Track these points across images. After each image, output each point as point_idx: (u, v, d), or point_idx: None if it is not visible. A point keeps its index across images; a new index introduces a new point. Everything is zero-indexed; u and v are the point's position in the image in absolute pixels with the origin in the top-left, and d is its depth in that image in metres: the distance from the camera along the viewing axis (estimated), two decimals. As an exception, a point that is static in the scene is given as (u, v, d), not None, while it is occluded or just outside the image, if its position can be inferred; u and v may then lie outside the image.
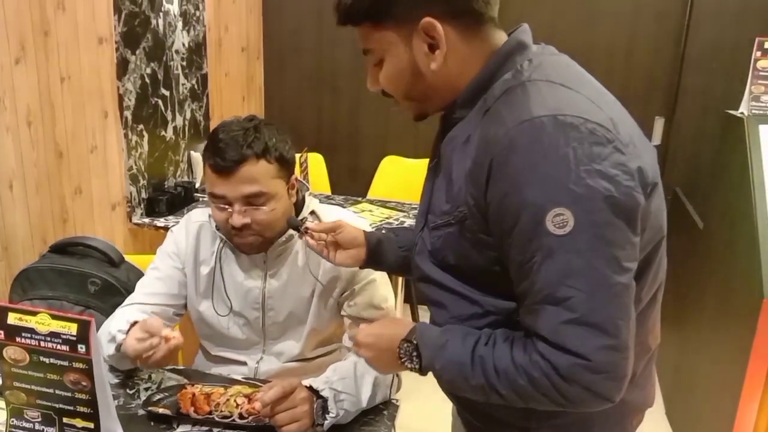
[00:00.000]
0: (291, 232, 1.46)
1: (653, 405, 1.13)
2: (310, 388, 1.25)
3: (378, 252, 1.32)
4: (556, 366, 0.85)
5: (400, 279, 2.66)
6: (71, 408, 1.08)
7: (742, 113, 2.21)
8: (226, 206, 1.38)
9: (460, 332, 0.97)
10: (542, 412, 0.97)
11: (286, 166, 1.42)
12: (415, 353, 1.00)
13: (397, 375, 1.42)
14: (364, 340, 1.09)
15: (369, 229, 1.52)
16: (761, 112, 2.16)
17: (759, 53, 2.18)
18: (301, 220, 1.47)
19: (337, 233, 1.31)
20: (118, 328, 1.33)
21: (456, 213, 0.96)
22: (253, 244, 1.43)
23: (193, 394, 1.26)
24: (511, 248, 0.89)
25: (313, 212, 1.53)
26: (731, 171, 2.26)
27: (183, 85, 2.94)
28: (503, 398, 0.93)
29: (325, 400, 1.23)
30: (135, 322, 1.30)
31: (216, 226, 1.50)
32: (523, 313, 0.91)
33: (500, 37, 1.00)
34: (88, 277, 1.67)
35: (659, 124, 3.33)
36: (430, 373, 1.06)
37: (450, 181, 0.98)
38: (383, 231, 1.39)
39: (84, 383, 1.05)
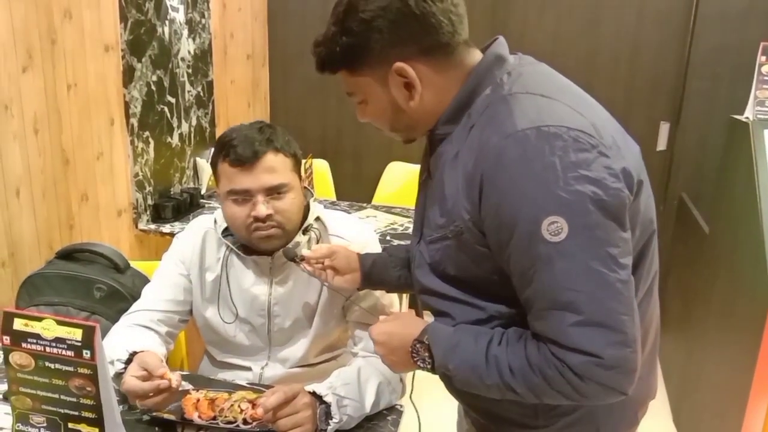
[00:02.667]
0: (297, 239, 1.46)
1: (656, 396, 1.15)
2: (314, 394, 1.25)
3: (372, 274, 1.36)
4: (569, 365, 0.88)
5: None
6: (76, 413, 1.08)
7: (747, 118, 2.20)
8: (248, 200, 1.39)
9: (472, 332, 0.99)
10: (548, 410, 1.00)
11: (298, 163, 1.46)
12: (427, 354, 1.02)
13: (402, 380, 1.42)
14: (377, 338, 1.10)
15: (375, 242, 1.54)
16: (766, 116, 2.16)
17: (764, 58, 2.18)
18: (296, 247, 1.47)
19: (333, 259, 1.36)
20: (117, 357, 1.32)
21: (452, 227, 0.99)
22: (275, 237, 1.42)
23: (198, 400, 1.26)
24: (510, 259, 0.92)
25: (318, 218, 1.53)
26: (737, 176, 2.26)
27: (189, 92, 2.95)
28: (519, 395, 0.95)
29: (328, 405, 1.23)
30: (134, 353, 1.29)
31: (223, 232, 1.51)
32: (531, 320, 0.93)
33: (475, 56, 1.03)
34: (94, 283, 1.68)
35: (664, 129, 3.33)
36: (436, 379, 1.07)
37: (443, 197, 1.00)
38: (404, 227, 1.45)
39: (89, 388, 1.05)
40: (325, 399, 1.24)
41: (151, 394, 1.19)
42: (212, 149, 1.49)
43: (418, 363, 1.04)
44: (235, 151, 1.37)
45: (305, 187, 1.51)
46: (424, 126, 1.06)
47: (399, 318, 1.13)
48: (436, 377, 1.05)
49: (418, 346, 1.03)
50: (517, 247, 0.89)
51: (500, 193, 0.89)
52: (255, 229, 1.40)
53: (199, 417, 1.24)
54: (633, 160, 0.95)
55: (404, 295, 2.84)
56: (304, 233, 1.48)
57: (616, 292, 0.87)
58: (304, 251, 1.38)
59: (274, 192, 1.40)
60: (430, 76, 0.99)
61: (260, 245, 1.44)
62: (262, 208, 1.38)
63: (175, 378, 1.20)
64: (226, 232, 1.52)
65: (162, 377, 1.19)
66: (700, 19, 3.18)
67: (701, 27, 3.18)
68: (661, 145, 3.34)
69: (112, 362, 1.31)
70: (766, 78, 2.17)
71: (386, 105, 1.03)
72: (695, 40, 3.20)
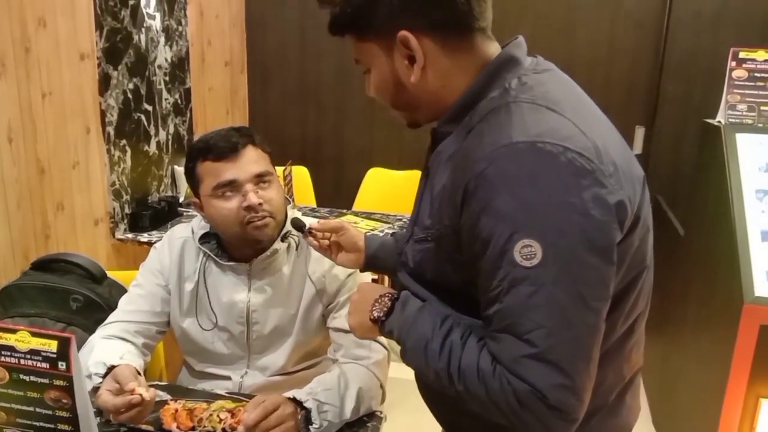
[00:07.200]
0: (275, 246, 1.46)
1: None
2: (294, 400, 1.24)
3: (376, 257, 1.32)
4: (514, 389, 0.84)
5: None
6: (52, 426, 1.06)
7: (719, 122, 2.24)
8: (236, 191, 1.40)
9: (439, 315, 0.96)
10: None
11: (273, 162, 1.49)
12: (386, 308, 1.00)
13: (382, 387, 1.42)
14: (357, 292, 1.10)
15: None
16: (738, 120, 2.20)
17: (734, 63, 2.22)
18: (274, 254, 1.47)
19: (340, 235, 1.32)
20: (95, 371, 1.30)
21: (434, 230, 0.96)
22: (268, 225, 1.42)
23: (176, 410, 1.26)
24: (479, 273, 0.87)
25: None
26: (710, 179, 2.29)
27: (166, 99, 2.94)
28: (457, 393, 0.91)
29: (308, 411, 1.23)
30: (112, 367, 1.28)
31: (201, 238, 1.50)
32: (488, 338, 0.89)
33: (492, 48, 0.98)
34: (70, 293, 1.66)
35: (640, 133, 3.38)
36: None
37: (433, 198, 0.98)
38: (384, 234, 1.40)
39: (65, 401, 1.04)
40: (305, 405, 1.24)
41: (123, 409, 1.18)
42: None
43: (374, 312, 1.01)
44: (216, 146, 1.40)
45: (285, 197, 1.52)
46: (426, 109, 1.01)
47: (372, 285, 1.10)
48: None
49: (386, 298, 1.02)
50: (487, 262, 0.85)
51: (481, 205, 0.84)
52: (249, 220, 1.40)
53: (178, 428, 1.24)
54: (632, 190, 0.88)
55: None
56: (282, 240, 1.48)
57: (576, 335, 0.82)
58: (312, 223, 1.36)
59: (260, 181, 1.42)
60: (437, 54, 0.94)
61: (255, 235, 1.42)
62: (253, 197, 1.39)
63: (146, 392, 1.18)
64: (203, 240, 1.51)
65: (132, 392, 1.17)
66: (673, 25, 3.24)
67: (674, 32, 3.24)
68: (637, 148, 3.38)
69: (89, 376, 1.30)
70: (736, 83, 2.21)
71: (388, 77, 0.98)
72: (668, 45, 3.26)
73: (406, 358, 1.00)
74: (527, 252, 0.81)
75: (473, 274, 0.89)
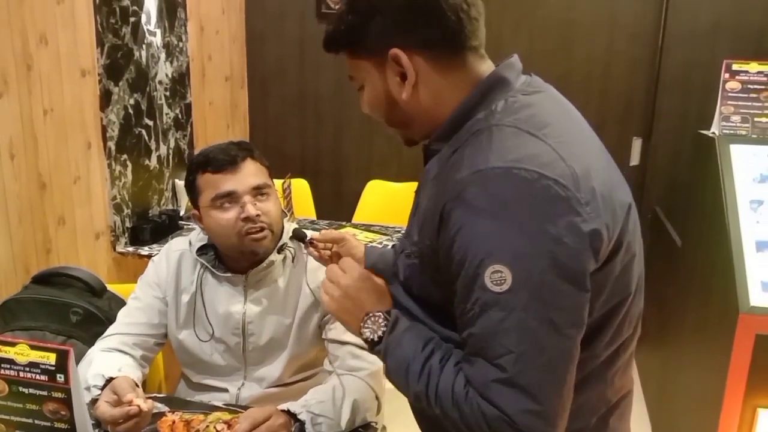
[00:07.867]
0: (272, 257, 1.48)
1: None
2: (288, 412, 1.26)
3: (375, 268, 1.29)
4: (484, 413, 0.84)
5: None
6: (50, 438, 1.08)
7: (713, 133, 2.26)
8: (235, 203, 1.42)
9: (422, 338, 0.96)
10: None
11: (272, 176, 1.51)
12: (381, 330, 0.99)
13: (377, 398, 1.43)
14: (330, 284, 1.08)
15: None
16: (731, 131, 2.22)
17: (727, 75, 2.24)
18: (270, 266, 1.49)
19: (341, 246, 1.33)
20: (93, 383, 1.32)
21: (417, 248, 0.97)
22: (267, 238, 1.45)
23: (173, 422, 1.27)
24: (455, 295, 0.88)
25: (292, 237, 1.55)
26: (705, 189, 2.31)
27: (167, 114, 2.97)
28: (436, 415, 0.92)
29: (302, 423, 1.24)
30: (111, 379, 1.30)
31: (198, 250, 1.51)
32: (463, 361, 0.90)
33: (485, 67, 0.98)
34: (70, 307, 1.68)
35: (636, 144, 3.40)
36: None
37: (419, 215, 0.99)
38: (383, 245, 1.40)
39: (63, 413, 1.06)
40: (299, 417, 1.25)
41: (121, 420, 1.20)
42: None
43: (365, 331, 1.00)
44: (215, 159, 1.42)
45: (282, 211, 1.54)
46: (419, 126, 1.01)
47: (363, 282, 1.06)
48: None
49: (380, 318, 0.99)
50: (461, 285, 0.86)
51: (455, 228, 0.85)
52: (247, 231, 1.42)
53: (175, 439, 1.25)
54: (611, 218, 0.87)
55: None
56: (279, 252, 1.50)
57: (546, 361, 0.82)
58: (313, 233, 1.37)
59: (258, 193, 1.45)
60: (428, 72, 0.95)
61: (253, 247, 1.44)
62: (251, 208, 1.41)
63: (143, 403, 1.19)
64: (200, 251, 1.53)
65: (130, 403, 1.19)
66: (668, 37, 3.27)
67: (670, 45, 3.27)
68: (634, 160, 3.41)
69: (88, 388, 1.31)
70: (729, 94, 2.23)
71: (381, 93, 0.99)
72: (664, 58, 3.29)
73: (388, 376, 1.01)
74: (497, 277, 0.81)
75: (452, 295, 0.90)
